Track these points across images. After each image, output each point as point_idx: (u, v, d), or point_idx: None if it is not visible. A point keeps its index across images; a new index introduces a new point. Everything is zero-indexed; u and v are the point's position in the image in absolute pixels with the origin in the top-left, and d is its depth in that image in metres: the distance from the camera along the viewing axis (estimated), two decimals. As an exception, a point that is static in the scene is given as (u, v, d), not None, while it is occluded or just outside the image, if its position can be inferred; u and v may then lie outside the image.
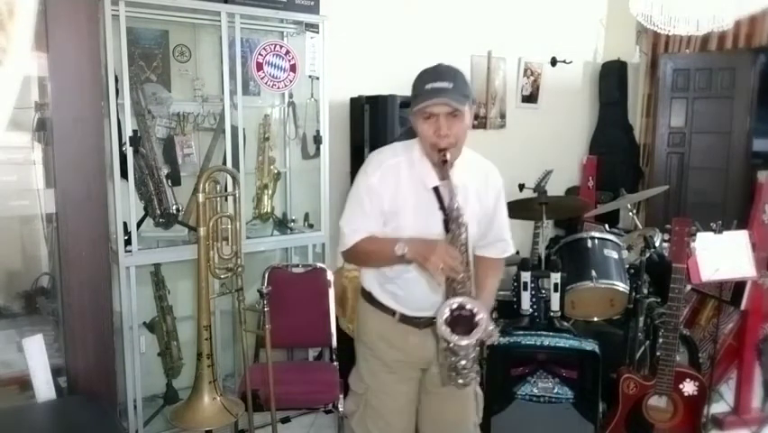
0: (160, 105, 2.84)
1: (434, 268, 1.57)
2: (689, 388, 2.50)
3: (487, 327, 1.60)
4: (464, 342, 1.60)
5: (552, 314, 2.70)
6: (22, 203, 1.68)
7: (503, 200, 1.89)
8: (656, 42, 4.56)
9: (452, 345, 1.64)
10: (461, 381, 1.70)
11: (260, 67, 2.89)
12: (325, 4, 3.03)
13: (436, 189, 1.72)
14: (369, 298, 1.91)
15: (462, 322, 1.60)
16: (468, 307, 1.60)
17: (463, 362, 1.66)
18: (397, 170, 1.74)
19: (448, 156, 1.64)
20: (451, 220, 1.65)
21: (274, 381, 2.23)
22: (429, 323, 1.80)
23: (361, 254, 1.79)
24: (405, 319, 1.83)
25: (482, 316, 1.59)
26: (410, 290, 1.79)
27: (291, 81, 2.99)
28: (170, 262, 2.82)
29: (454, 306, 1.60)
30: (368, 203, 1.74)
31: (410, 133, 3.23)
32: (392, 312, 1.84)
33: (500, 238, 1.89)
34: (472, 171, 1.79)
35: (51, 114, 1.59)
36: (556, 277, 2.66)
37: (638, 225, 3.37)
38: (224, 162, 2.82)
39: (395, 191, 1.73)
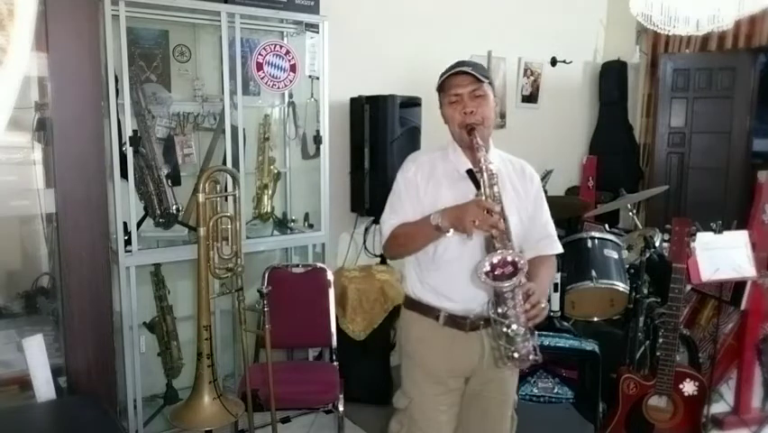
0: (160, 105, 2.83)
1: (468, 224, 1.55)
2: (689, 388, 2.50)
3: (525, 267, 1.55)
4: (507, 283, 1.54)
5: (552, 314, 2.70)
6: (23, 203, 1.68)
7: (543, 196, 1.91)
8: (656, 42, 4.56)
9: (499, 310, 1.58)
10: (515, 354, 1.58)
11: (260, 67, 2.89)
12: (325, 4, 3.03)
13: (471, 173, 1.73)
14: (411, 303, 1.88)
15: (506, 279, 1.56)
16: (509, 259, 1.56)
17: (514, 326, 1.57)
18: (432, 164, 1.81)
19: (476, 126, 1.69)
20: (480, 172, 1.64)
21: (274, 381, 2.23)
22: (475, 325, 1.78)
23: (401, 238, 1.77)
24: (450, 321, 1.79)
25: (523, 261, 1.55)
26: (451, 276, 1.76)
27: (291, 81, 2.99)
28: (170, 262, 2.82)
29: (495, 260, 1.56)
30: (404, 193, 1.80)
31: (410, 133, 3.27)
32: (436, 314, 1.80)
33: (546, 235, 1.89)
34: (506, 164, 1.85)
35: (51, 114, 1.59)
36: (556, 277, 2.66)
37: (638, 225, 3.37)
38: (224, 162, 2.82)
39: (430, 181, 1.78)
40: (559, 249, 1.91)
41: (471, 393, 1.87)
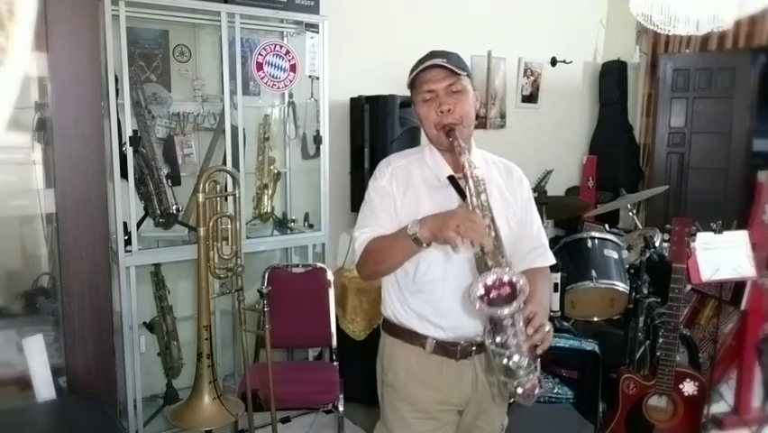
0: (160, 105, 2.84)
1: (453, 235, 1.33)
2: (689, 388, 2.50)
3: (525, 289, 1.35)
4: (506, 310, 1.34)
5: (552, 314, 2.70)
6: (22, 203, 1.68)
7: (533, 202, 1.71)
8: (656, 42, 4.56)
9: (497, 339, 1.38)
10: (519, 389, 1.38)
11: (260, 67, 2.89)
12: (325, 4, 3.03)
13: (452, 180, 1.54)
14: (392, 328, 1.65)
15: (503, 302, 1.37)
16: (506, 279, 1.36)
17: (516, 357, 1.37)
18: (408, 171, 1.60)
19: (455, 127, 1.51)
20: (465, 179, 1.44)
21: (274, 381, 2.23)
22: (467, 352, 1.59)
23: (375, 254, 1.54)
24: (439, 349, 1.58)
25: (523, 282, 1.35)
26: (436, 300, 1.57)
27: (291, 81, 2.99)
28: (170, 262, 2.83)
29: (489, 281, 1.36)
30: (378, 203, 1.59)
31: (410, 133, 3.27)
32: (422, 342, 1.59)
33: (539, 244, 1.69)
34: (490, 166, 1.66)
35: (51, 114, 1.58)
36: (556, 277, 2.67)
37: (638, 225, 3.37)
38: (224, 162, 2.82)
39: (407, 192, 1.58)
40: (552, 260, 1.72)
41: (465, 427, 1.69)
